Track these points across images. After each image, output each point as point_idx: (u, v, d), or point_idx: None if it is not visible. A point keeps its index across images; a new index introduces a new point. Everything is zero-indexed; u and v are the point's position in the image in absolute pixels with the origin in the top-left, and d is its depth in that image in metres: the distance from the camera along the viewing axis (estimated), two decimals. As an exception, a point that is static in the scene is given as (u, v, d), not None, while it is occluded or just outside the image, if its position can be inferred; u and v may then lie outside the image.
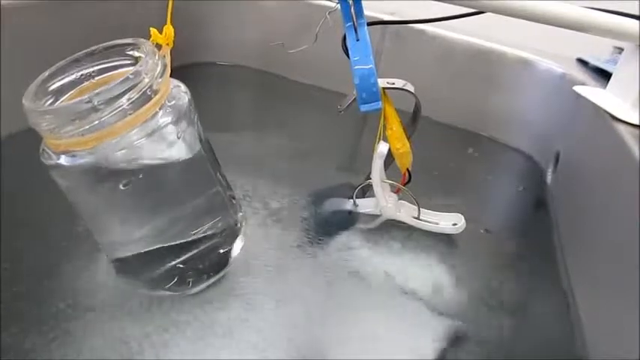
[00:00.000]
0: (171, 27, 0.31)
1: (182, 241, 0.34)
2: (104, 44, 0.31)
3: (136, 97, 0.28)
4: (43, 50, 0.49)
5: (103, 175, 0.29)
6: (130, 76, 0.27)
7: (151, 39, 0.31)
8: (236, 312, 0.34)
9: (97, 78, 0.31)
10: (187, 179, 0.33)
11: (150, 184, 0.31)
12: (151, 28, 0.31)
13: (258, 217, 0.43)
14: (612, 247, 0.34)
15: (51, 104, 0.29)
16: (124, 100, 0.27)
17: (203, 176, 0.34)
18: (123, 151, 0.28)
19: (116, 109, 0.27)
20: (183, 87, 0.32)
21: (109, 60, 0.31)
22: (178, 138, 0.31)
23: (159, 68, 0.29)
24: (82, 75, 0.31)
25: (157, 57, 0.30)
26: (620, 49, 0.45)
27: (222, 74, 0.67)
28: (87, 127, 0.27)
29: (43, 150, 0.29)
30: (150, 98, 0.29)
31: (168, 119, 0.30)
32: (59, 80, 0.30)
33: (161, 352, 0.31)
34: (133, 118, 0.28)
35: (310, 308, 0.36)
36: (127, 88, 0.27)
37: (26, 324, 0.31)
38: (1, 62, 0.45)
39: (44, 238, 0.38)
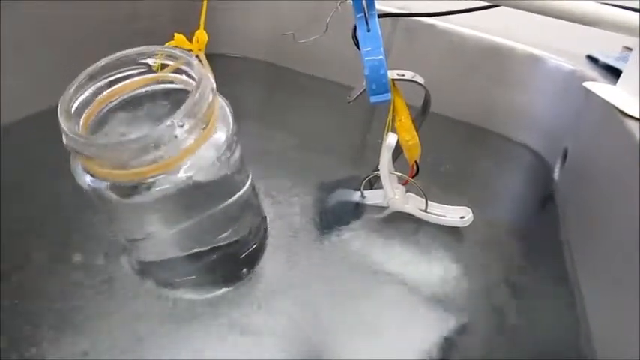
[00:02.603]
0: (204, 32, 0.30)
1: (212, 245, 0.34)
2: (113, 55, 0.30)
3: (205, 111, 0.27)
4: (44, 39, 0.49)
5: (155, 196, 0.28)
6: (198, 91, 0.26)
7: (169, 43, 0.29)
8: (244, 305, 0.34)
9: (107, 91, 0.30)
10: (228, 186, 0.32)
11: (197, 197, 0.30)
12: (176, 34, 0.30)
13: (265, 209, 0.43)
14: (619, 243, 0.34)
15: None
16: (199, 116, 0.26)
17: (240, 180, 0.34)
18: (189, 173, 0.27)
19: (193, 127, 0.26)
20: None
21: (120, 70, 0.30)
22: (237, 145, 0.30)
23: (211, 79, 0.28)
24: (95, 89, 0.29)
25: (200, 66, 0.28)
26: (630, 49, 0.45)
27: (232, 66, 0.68)
28: (168, 151, 0.26)
29: (91, 183, 0.28)
30: (212, 111, 0.28)
31: (224, 133, 0.29)
32: (76, 101, 0.29)
33: (176, 350, 0.31)
34: (205, 134, 0.27)
35: (316, 299, 0.36)
36: (200, 103, 0.26)
37: (26, 317, 0.31)
38: (1, 52, 0.45)
39: (45, 229, 0.38)
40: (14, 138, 0.46)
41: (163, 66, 0.30)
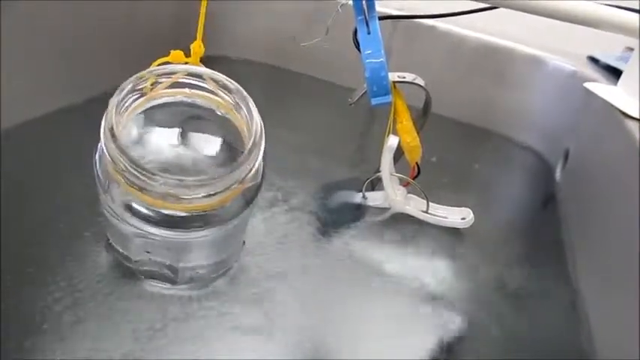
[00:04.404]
0: (201, 44, 0.30)
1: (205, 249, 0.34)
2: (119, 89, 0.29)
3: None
4: (44, 39, 0.49)
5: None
6: (252, 107, 0.29)
7: (161, 60, 0.29)
8: (241, 306, 0.34)
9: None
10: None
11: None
12: (172, 51, 0.29)
13: (267, 210, 0.43)
14: (620, 244, 0.35)
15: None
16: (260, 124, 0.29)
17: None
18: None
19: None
20: None
21: (122, 99, 0.29)
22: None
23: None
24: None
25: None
26: (632, 49, 0.45)
27: (234, 68, 0.68)
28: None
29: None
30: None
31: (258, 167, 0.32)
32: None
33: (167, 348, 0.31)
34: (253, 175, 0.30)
35: (318, 301, 0.36)
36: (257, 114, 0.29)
37: (26, 319, 0.31)
38: (1, 54, 0.45)
39: (46, 231, 0.38)
40: (15, 140, 0.46)
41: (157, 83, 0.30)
